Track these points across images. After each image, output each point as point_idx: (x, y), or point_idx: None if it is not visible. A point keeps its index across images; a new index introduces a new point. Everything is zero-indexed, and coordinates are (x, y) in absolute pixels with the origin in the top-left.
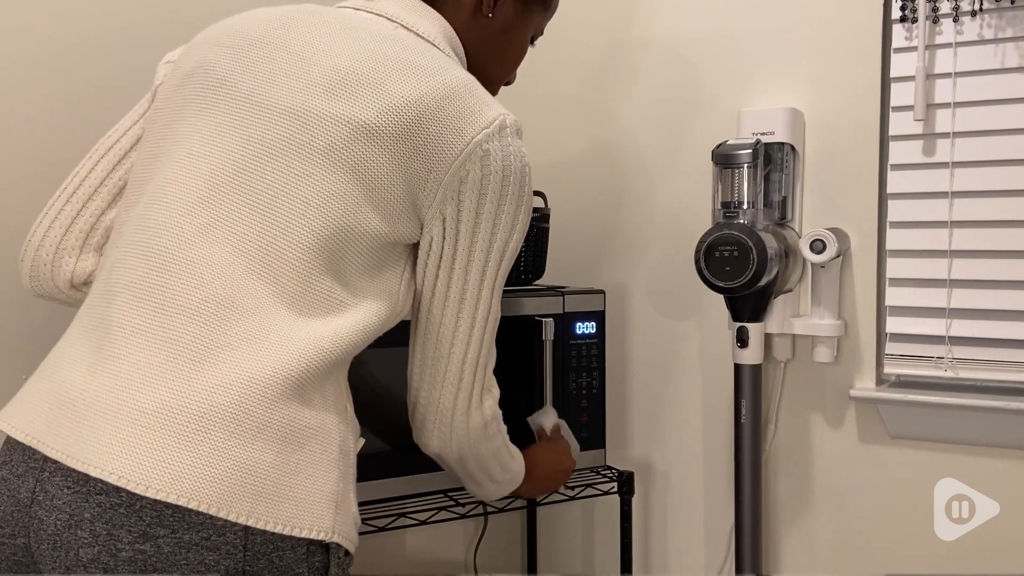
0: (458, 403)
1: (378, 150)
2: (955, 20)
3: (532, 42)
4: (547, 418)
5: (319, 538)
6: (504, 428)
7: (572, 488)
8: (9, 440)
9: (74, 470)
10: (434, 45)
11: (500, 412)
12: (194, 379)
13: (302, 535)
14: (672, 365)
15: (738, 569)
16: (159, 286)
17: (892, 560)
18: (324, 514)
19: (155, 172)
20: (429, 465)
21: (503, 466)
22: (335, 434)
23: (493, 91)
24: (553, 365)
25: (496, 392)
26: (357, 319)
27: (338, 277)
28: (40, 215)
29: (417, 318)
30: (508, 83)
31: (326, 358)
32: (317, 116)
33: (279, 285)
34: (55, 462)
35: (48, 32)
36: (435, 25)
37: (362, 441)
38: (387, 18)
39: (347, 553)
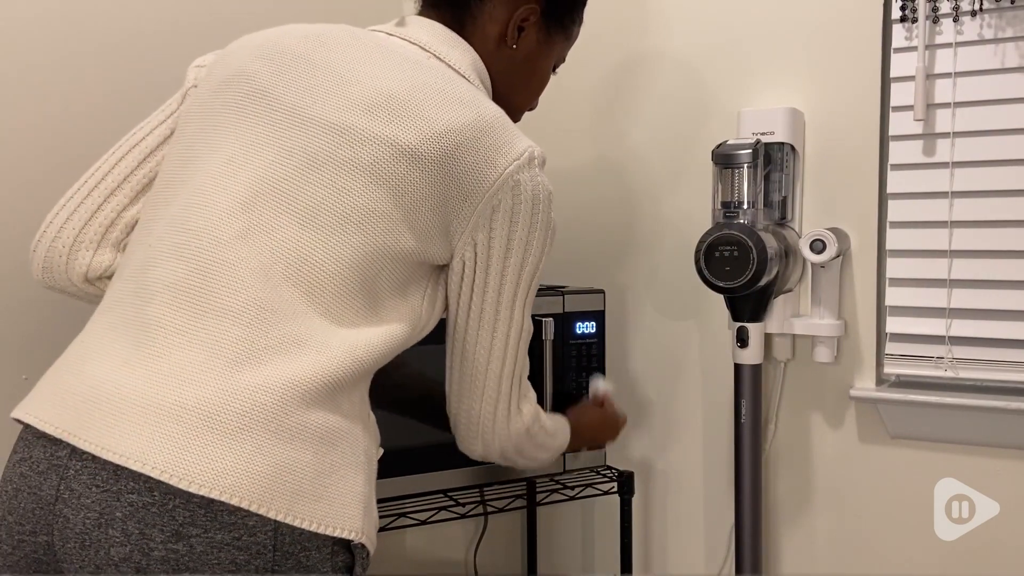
0: (498, 415)
1: (418, 173)
2: (955, 20)
3: (554, 70)
4: (602, 383)
5: (350, 537)
6: (545, 420)
7: (572, 488)
8: (27, 436)
9: (102, 469)
10: (464, 77)
11: (539, 410)
12: (235, 379)
13: (335, 534)
14: (672, 365)
15: (738, 569)
16: (200, 288)
17: (892, 560)
18: (355, 515)
19: (191, 175)
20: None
21: (547, 449)
22: (362, 439)
23: (516, 118)
24: (553, 364)
25: (532, 395)
26: (386, 331)
27: (370, 292)
28: (57, 206)
29: (453, 337)
30: (531, 109)
31: (359, 366)
32: (360, 134)
33: (314, 295)
34: (81, 459)
35: (51, 34)
36: (466, 57)
37: (381, 451)
38: (420, 46)
39: (368, 555)
